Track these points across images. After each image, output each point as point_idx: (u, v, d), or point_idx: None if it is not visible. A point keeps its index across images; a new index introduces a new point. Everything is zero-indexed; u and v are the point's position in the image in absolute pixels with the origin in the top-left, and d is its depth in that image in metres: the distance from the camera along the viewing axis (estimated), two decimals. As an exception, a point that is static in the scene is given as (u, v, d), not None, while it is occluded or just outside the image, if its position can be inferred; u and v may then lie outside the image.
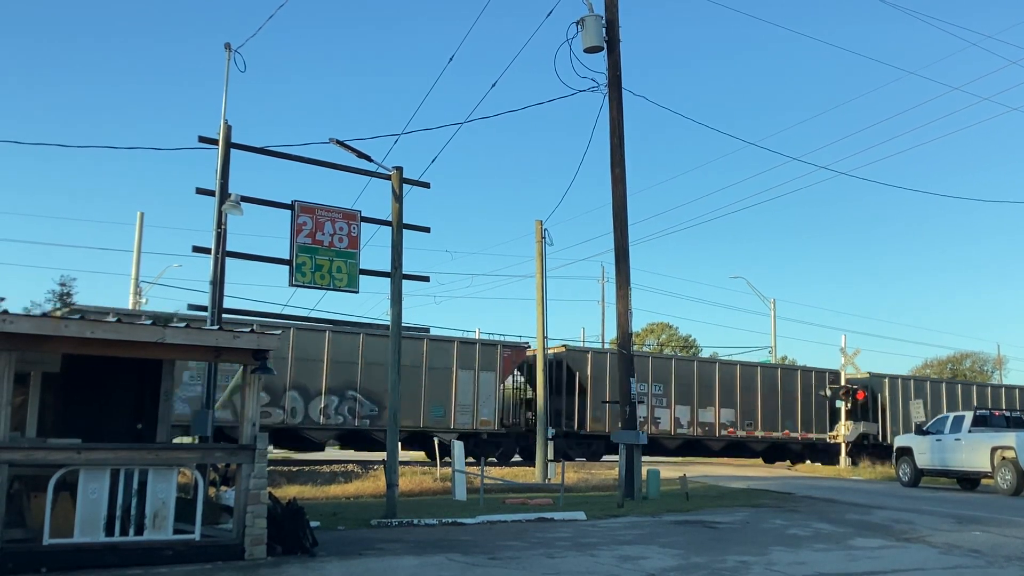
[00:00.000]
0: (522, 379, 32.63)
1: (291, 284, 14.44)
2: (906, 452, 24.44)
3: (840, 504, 16.67)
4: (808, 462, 35.78)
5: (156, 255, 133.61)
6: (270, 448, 14.42)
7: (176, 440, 15.07)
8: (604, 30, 18.47)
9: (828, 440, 35.53)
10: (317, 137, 58.85)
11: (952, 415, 24.31)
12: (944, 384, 39.38)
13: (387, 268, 14.63)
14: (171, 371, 11.03)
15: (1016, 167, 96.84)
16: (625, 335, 18.60)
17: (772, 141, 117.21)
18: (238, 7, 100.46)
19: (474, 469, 18.16)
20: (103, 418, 10.40)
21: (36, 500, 8.71)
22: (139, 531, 8.54)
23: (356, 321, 25.85)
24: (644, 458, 31.50)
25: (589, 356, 31.36)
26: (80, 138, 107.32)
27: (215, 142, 14.23)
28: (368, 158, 14.50)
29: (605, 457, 31.31)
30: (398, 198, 14.57)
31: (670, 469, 26.11)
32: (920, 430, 24.46)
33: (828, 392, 35.26)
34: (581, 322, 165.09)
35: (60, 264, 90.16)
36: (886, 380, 36.95)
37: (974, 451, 22.04)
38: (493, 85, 32.13)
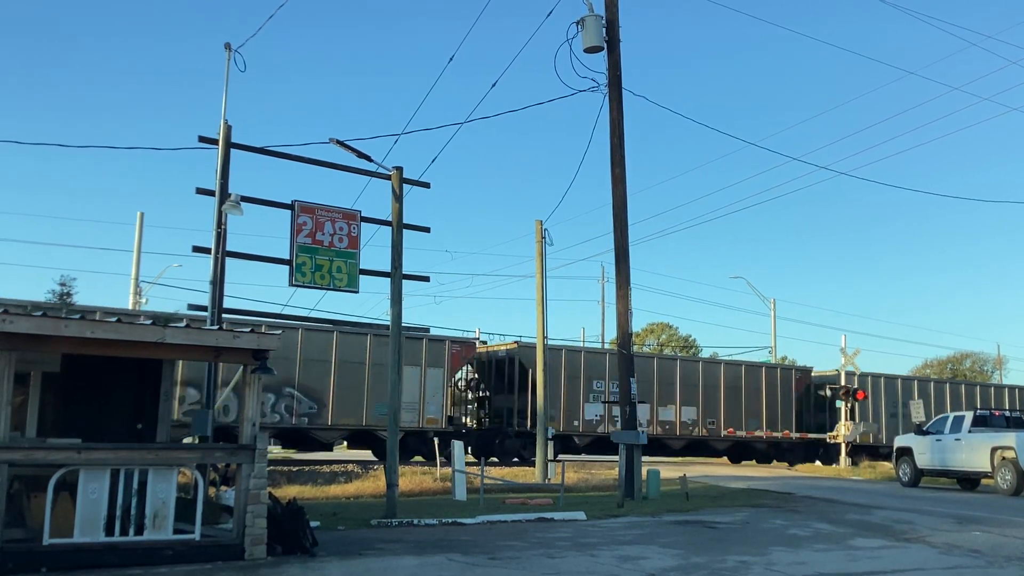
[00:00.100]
0: (475, 376, 32.21)
1: (291, 284, 14.44)
2: (906, 452, 24.44)
3: (840, 504, 16.67)
4: (775, 461, 35.26)
5: (156, 255, 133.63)
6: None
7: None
8: (604, 30, 18.47)
9: (789, 438, 35.01)
10: (317, 137, 58.85)
11: (952, 415, 24.32)
12: (916, 381, 38.94)
13: (387, 268, 14.63)
14: (171, 371, 11.03)
15: (1016, 167, 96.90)
16: (625, 335, 18.60)
17: (772, 141, 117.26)
18: (238, 7, 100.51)
19: (474, 469, 18.16)
20: (103, 418, 10.39)
21: (36, 500, 8.71)
22: (139, 531, 8.54)
23: (298, 315, 23.35)
24: (591, 457, 31.57)
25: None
26: (80, 138, 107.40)
27: (215, 142, 14.23)
28: (368, 158, 14.50)
29: (559, 457, 30.43)
30: (398, 198, 14.57)
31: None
32: (920, 430, 24.47)
33: (828, 392, 35.20)
34: (581, 322, 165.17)
35: (60, 264, 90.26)
36: (854, 378, 36.28)
37: (974, 451, 22.04)
38: (493, 85, 32.10)
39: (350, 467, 22.97)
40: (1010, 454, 20.93)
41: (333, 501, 15.58)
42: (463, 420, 30.10)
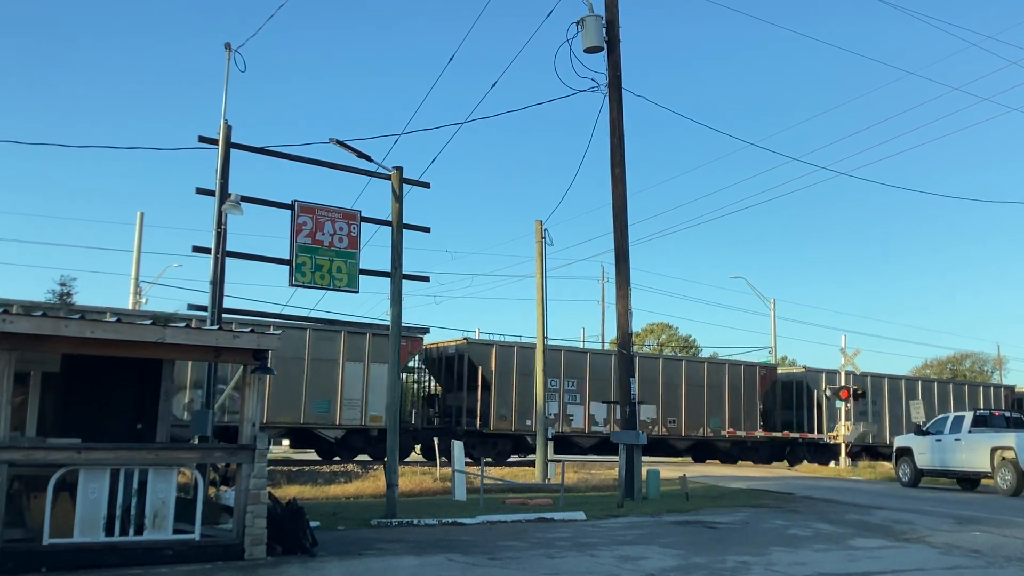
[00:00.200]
0: (424, 372, 31.28)
1: (291, 284, 14.45)
2: (906, 452, 24.43)
3: (840, 504, 16.67)
4: (739, 462, 34.63)
5: (156, 255, 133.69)
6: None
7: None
8: (604, 30, 18.47)
9: (753, 437, 34.34)
10: (317, 137, 58.92)
11: (952, 415, 24.32)
12: (886, 380, 38.12)
13: (387, 268, 14.63)
14: (171, 371, 11.03)
15: (1016, 167, 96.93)
16: (625, 335, 18.59)
17: (772, 141, 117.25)
18: (238, 7, 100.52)
19: (474, 469, 18.16)
20: (103, 418, 10.39)
21: (36, 500, 8.71)
22: (139, 531, 8.54)
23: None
24: (554, 456, 30.99)
25: (494, 350, 29.41)
26: (80, 138, 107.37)
27: (215, 142, 14.23)
28: (368, 158, 14.50)
29: (512, 457, 29.95)
30: (398, 198, 14.57)
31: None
32: (920, 430, 24.47)
33: (828, 392, 35.04)
34: (581, 322, 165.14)
35: (60, 264, 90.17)
36: (823, 375, 36.14)
37: (974, 451, 22.04)
38: (493, 85, 32.10)
39: (350, 467, 22.98)
40: (1010, 454, 20.92)
41: (333, 501, 15.58)
42: (410, 418, 28.95)
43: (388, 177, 14.76)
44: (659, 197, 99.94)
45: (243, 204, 13.98)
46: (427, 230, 15.89)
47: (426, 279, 17.35)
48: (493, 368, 28.96)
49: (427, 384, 31.92)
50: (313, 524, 10.23)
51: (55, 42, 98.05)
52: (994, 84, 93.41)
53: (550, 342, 32.70)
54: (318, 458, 27.43)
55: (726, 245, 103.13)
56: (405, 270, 14.67)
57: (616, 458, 32.17)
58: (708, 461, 34.52)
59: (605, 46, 18.52)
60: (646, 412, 31.73)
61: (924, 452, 23.63)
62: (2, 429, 8.14)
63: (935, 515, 15.01)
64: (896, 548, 11.01)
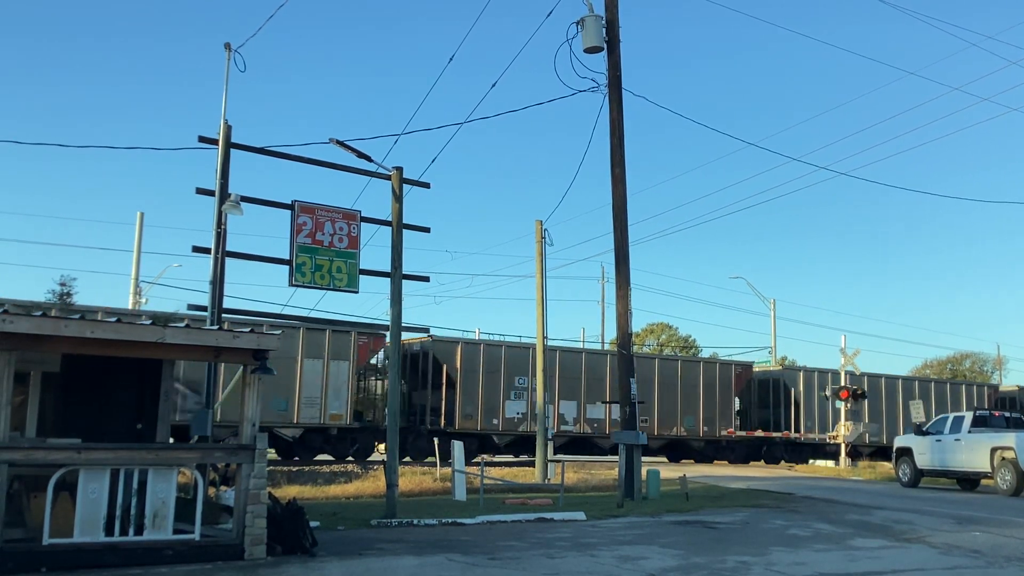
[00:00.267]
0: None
1: (291, 284, 14.45)
2: (906, 452, 24.44)
3: (840, 504, 16.67)
4: (715, 462, 33.95)
5: (156, 255, 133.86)
6: None
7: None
8: (604, 30, 18.47)
9: (729, 436, 33.75)
10: (317, 137, 58.92)
11: (952, 415, 24.32)
12: (866, 378, 37.09)
13: (387, 268, 14.63)
14: (171, 371, 11.03)
15: (1016, 167, 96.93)
16: (625, 335, 18.60)
17: (772, 141, 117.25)
18: (238, 7, 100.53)
19: (474, 469, 18.16)
20: (103, 418, 10.40)
21: (36, 500, 8.71)
22: (139, 531, 8.54)
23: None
24: (506, 459, 30.23)
25: (459, 347, 28.62)
26: (80, 138, 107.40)
27: (215, 142, 14.23)
28: (368, 158, 14.50)
29: (476, 460, 28.96)
30: (398, 198, 14.57)
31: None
32: (920, 430, 24.47)
33: (828, 392, 35.00)
34: (581, 322, 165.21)
35: (60, 264, 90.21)
36: (800, 374, 35.75)
37: (974, 451, 22.04)
38: (493, 85, 32.13)
39: (350, 467, 22.98)
40: (1010, 454, 20.93)
41: (333, 501, 15.58)
42: (371, 417, 28.22)
43: (388, 177, 14.76)
44: (659, 197, 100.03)
45: (243, 204, 13.98)
46: (427, 230, 15.91)
47: (426, 279, 17.37)
48: (458, 366, 28.31)
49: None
50: (313, 524, 10.23)
51: (55, 42, 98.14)
52: (994, 84, 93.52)
53: (512, 339, 32.53)
54: (323, 459, 27.36)
55: (726, 245, 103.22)
56: (405, 270, 14.68)
57: (596, 458, 32.39)
58: (683, 461, 33.80)
59: (605, 46, 18.52)
60: (618, 411, 30.95)
61: (924, 452, 23.63)
62: (2, 429, 8.14)
63: (935, 515, 15.01)
64: (896, 548, 11.01)
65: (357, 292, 15.11)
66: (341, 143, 14.23)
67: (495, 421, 28.83)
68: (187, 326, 9.84)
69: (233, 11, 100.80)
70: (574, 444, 31.07)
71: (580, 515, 13.70)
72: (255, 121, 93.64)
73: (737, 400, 35.29)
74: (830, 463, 35.97)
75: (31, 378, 9.93)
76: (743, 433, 34.75)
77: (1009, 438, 21.36)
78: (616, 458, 31.52)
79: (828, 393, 34.72)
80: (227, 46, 15.18)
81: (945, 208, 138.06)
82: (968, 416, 23.40)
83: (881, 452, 36.42)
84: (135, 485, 8.57)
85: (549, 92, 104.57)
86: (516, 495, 17.15)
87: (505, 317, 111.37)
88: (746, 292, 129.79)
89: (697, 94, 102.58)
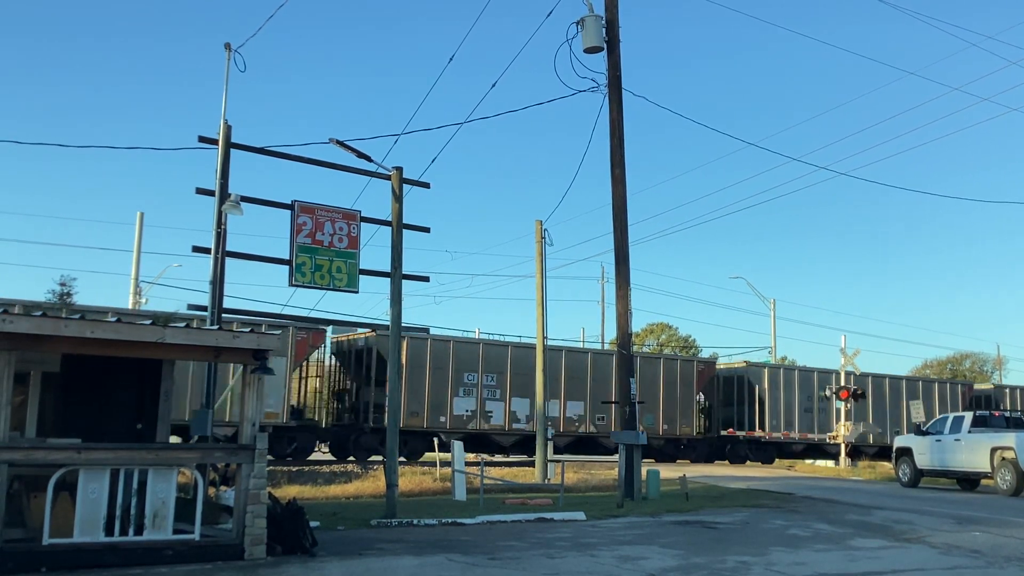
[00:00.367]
0: (337, 366, 29.81)
1: (291, 284, 14.45)
2: (906, 452, 24.45)
3: (840, 504, 16.67)
4: (678, 461, 33.05)
5: (156, 255, 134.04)
6: None
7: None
8: (604, 30, 18.47)
9: (689, 434, 33.07)
10: (317, 137, 58.92)
11: (952, 415, 24.33)
12: (834, 375, 36.44)
13: (387, 268, 14.63)
14: (171, 371, 11.03)
15: (1016, 167, 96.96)
16: (625, 335, 18.59)
17: (772, 141, 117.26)
18: (238, 7, 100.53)
19: (474, 469, 18.16)
20: (103, 418, 10.39)
21: (36, 500, 8.71)
22: (139, 531, 8.54)
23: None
24: (470, 455, 29.36)
25: (405, 342, 27.20)
26: (80, 138, 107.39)
27: (215, 142, 14.23)
28: (368, 158, 14.50)
29: (428, 455, 27.83)
30: (398, 198, 14.57)
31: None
32: (920, 430, 24.48)
33: (828, 392, 34.92)
34: (581, 322, 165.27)
35: (60, 264, 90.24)
36: (765, 371, 35.08)
37: (974, 451, 22.05)
38: (493, 85, 32.11)
39: (350, 467, 22.97)
40: (1010, 454, 20.93)
41: (333, 501, 15.58)
42: (314, 415, 27.45)
43: (388, 177, 14.76)
44: (659, 197, 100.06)
45: (243, 204, 13.98)
46: (427, 230, 15.90)
47: (426, 279, 17.37)
48: (404, 361, 26.98)
49: (339, 379, 30.26)
50: (313, 524, 10.23)
51: (55, 42, 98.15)
52: (994, 84, 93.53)
53: (454, 333, 31.40)
54: (324, 459, 27.30)
55: (726, 245, 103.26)
56: (405, 270, 14.67)
57: (588, 458, 31.62)
58: (645, 460, 33.13)
59: (605, 46, 18.52)
60: (573, 409, 30.24)
61: (924, 452, 23.64)
62: (2, 429, 8.14)
63: (935, 515, 15.01)
64: (896, 548, 11.01)
65: (357, 292, 15.11)
66: (341, 143, 14.23)
67: (443, 419, 28.04)
68: (187, 326, 9.83)
69: (233, 11, 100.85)
70: (526, 443, 29.70)
71: (580, 515, 13.70)
72: (255, 121, 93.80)
73: (702, 397, 34.54)
74: (830, 463, 35.86)
75: (31, 378, 9.93)
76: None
77: (1009, 438, 21.37)
78: (587, 458, 31.48)
79: (828, 393, 34.66)
80: (227, 46, 15.18)
81: (945, 208, 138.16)
82: (968, 416, 23.41)
83: (858, 451, 36.29)
84: (135, 485, 8.57)
85: (549, 92, 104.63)
86: (516, 495, 17.15)
87: (505, 317, 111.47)
88: (746, 292, 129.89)
89: (697, 94, 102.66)
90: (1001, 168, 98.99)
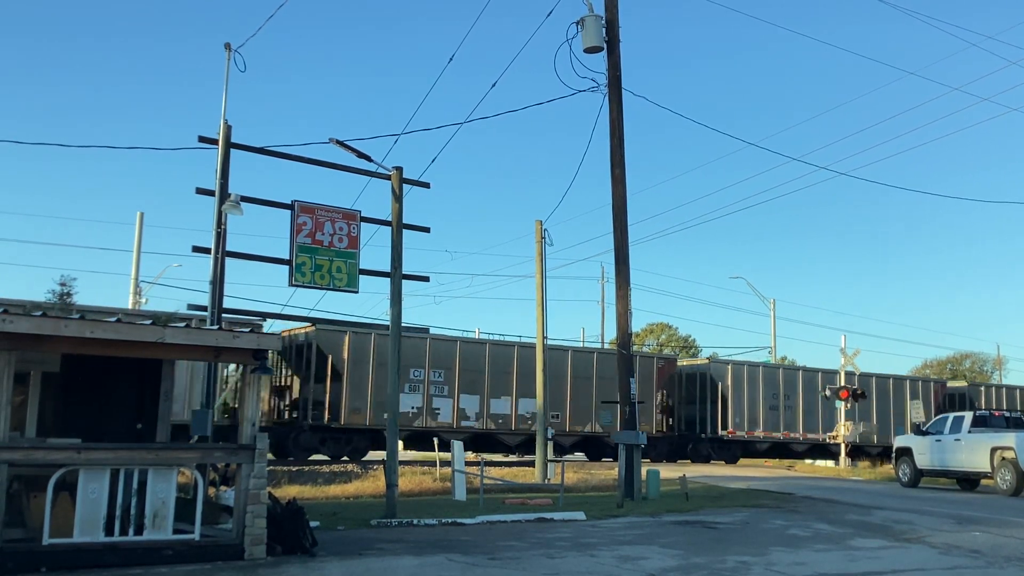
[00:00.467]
0: (278, 361, 28.58)
1: (291, 284, 14.46)
2: (906, 452, 24.45)
3: (840, 504, 16.68)
4: (650, 460, 31.42)
5: (156, 255, 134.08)
6: None
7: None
8: (604, 30, 18.47)
9: (647, 432, 31.58)
10: (317, 137, 58.94)
11: (952, 415, 24.34)
12: (800, 372, 36.31)
13: (387, 268, 14.63)
14: (171, 371, 11.03)
15: (1016, 167, 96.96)
16: (625, 335, 18.60)
17: (772, 141, 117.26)
18: (238, 7, 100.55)
19: (474, 469, 18.16)
20: (103, 418, 10.40)
21: (36, 500, 8.71)
22: (139, 531, 8.54)
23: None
24: (413, 453, 28.58)
25: (347, 337, 26.32)
26: (80, 138, 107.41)
27: (215, 142, 14.24)
28: (368, 158, 14.51)
29: (371, 454, 27.21)
30: (398, 198, 14.57)
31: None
32: (920, 430, 24.49)
33: (828, 392, 34.78)
34: (581, 322, 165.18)
35: (60, 264, 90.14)
36: (729, 368, 34.29)
37: (974, 451, 22.06)
38: (493, 85, 32.18)
39: (350, 467, 22.96)
40: (1010, 454, 20.94)
41: (333, 501, 15.58)
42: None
43: (388, 177, 14.76)
44: (659, 197, 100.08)
45: (243, 204, 13.99)
46: (427, 230, 15.92)
47: (426, 279, 17.38)
48: (346, 357, 26.32)
49: (279, 375, 29.13)
50: (313, 524, 10.23)
51: (55, 42, 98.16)
52: (994, 84, 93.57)
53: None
54: (323, 459, 27.18)
55: (726, 245, 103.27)
56: (405, 270, 14.67)
57: (502, 456, 30.94)
58: (604, 460, 31.45)
59: (605, 46, 18.52)
60: (525, 406, 29.04)
61: (924, 452, 23.64)
62: (2, 429, 8.14)
63: (935, 515, 15.01)
64: (896, 548, 11.01)
65: (357, 292, 15.14)
66: (341, 143, 14.23)
67: (386, 416, 27.55)
68: (187, 326, 9.84)
69: (233, 11, 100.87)
70: (477, 441, 29.07)
71: (580, 515, 13.70)
72: (255, 121, 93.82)
73: (664, 395, 33.87)
74: (829, 463, 35.81)
75: (31, 378, 9.93)
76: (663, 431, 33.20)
77: (1009, 438, 21.37)
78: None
79: (828, 393, 34.52)
80: (227, 46, 15.19)
81: (945, 208, 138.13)
82: (968, 416, 23.42)
83: (860, 451, 35.95)
84: (135, 485, 8.57)
85: (549, 92, 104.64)
86: (516, 495, 17.15)
87: (505, 317, 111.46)
88: (746, 292, 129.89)
89: (697, 94, 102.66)
90: (1001, 168, 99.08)
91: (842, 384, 34.15)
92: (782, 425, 34.54)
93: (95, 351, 8.73)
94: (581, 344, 44.83)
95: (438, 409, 28.09)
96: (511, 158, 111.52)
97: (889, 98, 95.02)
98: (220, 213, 13.92)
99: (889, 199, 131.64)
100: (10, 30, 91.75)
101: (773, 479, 24.93)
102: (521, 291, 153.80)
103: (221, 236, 14.03)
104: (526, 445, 29.29)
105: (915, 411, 34.75)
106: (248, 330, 9.46)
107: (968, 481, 23.30)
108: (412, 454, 30.00)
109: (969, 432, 22.59)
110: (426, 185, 15.73)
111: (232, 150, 14.27)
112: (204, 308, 14.16)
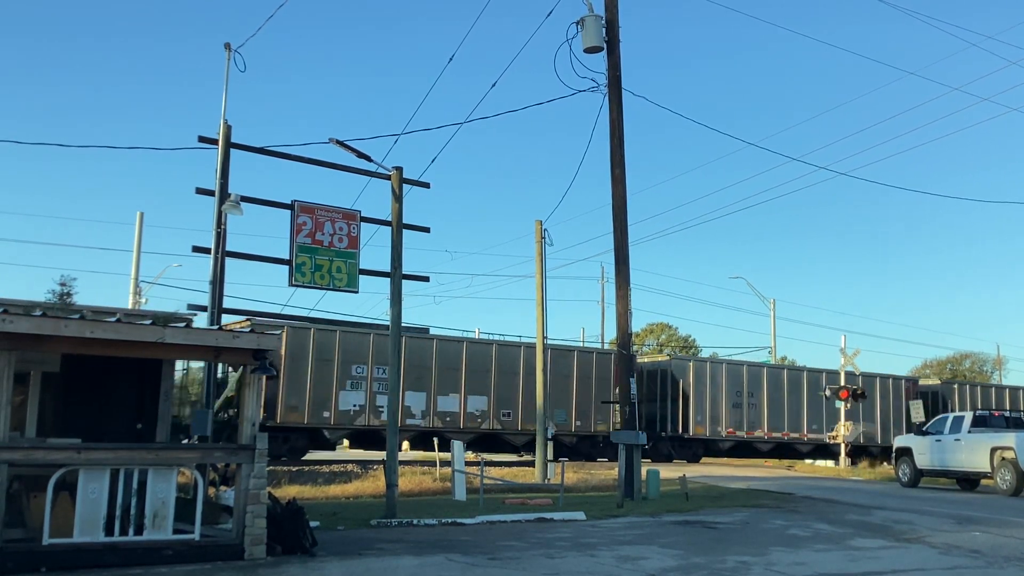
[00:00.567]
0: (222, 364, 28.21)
1: (291, 284, 14.46)
2: (906, 452, 24.46)
3: (840, 504, 16.68)
4: (597, 459, 30.47)
5: (156, 255, 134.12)
6: None
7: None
8: (604, 30, 18.48)
9: (604, 432, 29.98)
10: (317, 137, 58.92)
11: (952, 415, 24.35)
12: (765, 369, 35.70)
13: (387, 268, 14.63)
14: (171, 371, 11.03)
15: (1016, 167, 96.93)
16: (625, 335, 18.60)
17: (772, 141, 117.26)
18: (238, 7, 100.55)
19: (474, 469, 18.16)
20: (103, 418, 10.40)
21: (36, 500, 8.71)
22: (139, 531, 8.54)
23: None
24: (341, 456, 27.45)
25: (285, 333, 24.97)
26: (80, 138, 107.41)
27: (215, 142, 14.24)
28: (368, 158, 14.50)
29: (311, 454, 26.53)
30: (398, 198, 14.57)
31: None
32: (920, 430, 24.50)
33: (827, 392, 34.70)
34: (581, 322, 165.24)
35: (60, 264, 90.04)
36: (691, 364, 33.69)
37: (974, 451, 22.07)
38: (493, 85, 32.15)
39: (350, 467, 22.95)
40: (1009, 454, 20.95)
41: (333, 501, 15.58)
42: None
43: (388, 177, 14.76)
44: (659, 197, 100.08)
45: (243, 204, 13.99)
46: (427, 230, 15.92)
47: (426, 279, 17.40)
48: (283, 353, 25.17)
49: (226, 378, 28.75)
50: (313, 524, 10.23)
51: (55, 42, 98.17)
52: (994, 84, 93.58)
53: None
54: (323, 459, 27.11)
55: (726, 245, 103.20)
56: (405, 270, 14.67)
57: (444, 454, 29.46)
58: (560, 459, 31.12)
59: (605, 46, 18.53)
60: (475, 404, 28.25)
61: (924, 452, 23.65)
62: (2, 429, 8.14)
63: (935, 515, 15.02)
64: (896, 548, 11.02)
65: (357, 292, 15.14)
66: (341, 143, 14.23)
67: (326, 414, 25.99)
68: (187, 326, 9.84)
69: (233, 11, 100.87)
70: (422, 439, 27.89)
71: (580, 515, 13.70)
72: (255, 121, 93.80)
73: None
74: (829, 463, 35.76)
75: (31, 378, 9.93)
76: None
77: (1009, 438, 21.39)
78: (492, 455, 29.29)
79: (827, 392, 34.49)
80: (227, 46, 15.19)
81: (945, 208, 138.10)
82: (968, 416, 23.44)
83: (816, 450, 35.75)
84: (135, 485, 8.57)
85: (549, 92, 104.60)
86: (516, 495, 17.15)
87: (505, 317, 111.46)
88: (746, 292, 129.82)
89: (697, 94, 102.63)
90: (1001, 168, 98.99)
91: (837, 384, 34.13)
92: (746, 424, 33.73)
93: (95, 351, 8.74)
94: (581, 344, 44.86)
95: (382, 407, 26.37)
96: (511, 158, 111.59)
97: (889, 98, 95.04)
98: (220, 213, 13.92)
99: (889, 199, 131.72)
100: (10, 30, 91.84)
101: (773, 479, 24.93)
102: (521, 291, 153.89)
103: (221, 236, 14.03)
104: (477, 443, 28.66)
105: (915, 411, 34.75)
106: (248, 330, 9.46)
107: (968, 481, 23.31)
108: (354, 455, 29.14)
109: (969, 432, 22.60)
110: (426, 185, 15.75)
111: (232, 150, 14.27)
112: (204, 308, 14.16)
